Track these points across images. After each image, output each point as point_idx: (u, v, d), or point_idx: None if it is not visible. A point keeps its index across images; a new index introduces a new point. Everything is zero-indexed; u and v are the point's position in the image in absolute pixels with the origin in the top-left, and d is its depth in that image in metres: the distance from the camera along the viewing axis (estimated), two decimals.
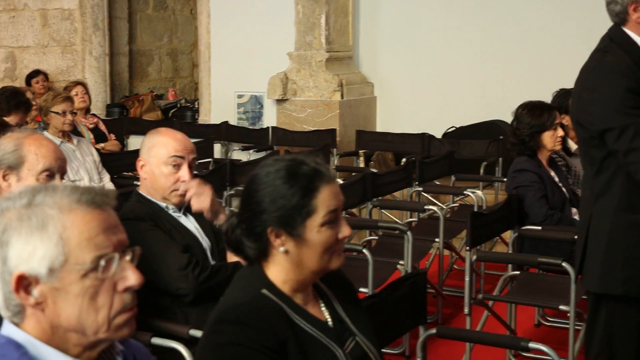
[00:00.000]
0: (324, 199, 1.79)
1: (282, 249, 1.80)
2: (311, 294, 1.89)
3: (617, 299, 2.63)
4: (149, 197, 2.82)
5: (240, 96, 7.22)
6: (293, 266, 1.81)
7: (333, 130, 6.61)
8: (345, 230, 1.82)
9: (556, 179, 4.16)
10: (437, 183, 5.67)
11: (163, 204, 2.82)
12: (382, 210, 5.28)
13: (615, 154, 2.54)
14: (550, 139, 4.09)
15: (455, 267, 5.04)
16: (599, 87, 2.56)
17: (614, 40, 2.62)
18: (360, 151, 6.62)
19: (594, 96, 2.57)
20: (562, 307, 3.38)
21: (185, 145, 2.80)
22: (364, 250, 3.63)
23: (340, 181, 5.43)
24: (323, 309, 1.88)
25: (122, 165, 5.27)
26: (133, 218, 2.70)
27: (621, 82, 2.50)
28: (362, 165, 6.58)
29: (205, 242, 2.84)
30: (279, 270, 1.82)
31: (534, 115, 4.09)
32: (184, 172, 2.77)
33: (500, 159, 5.86)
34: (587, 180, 2.72)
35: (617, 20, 2.63)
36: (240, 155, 6.77)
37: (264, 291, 1.80)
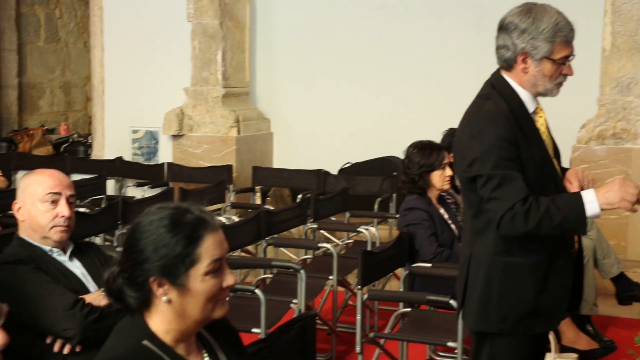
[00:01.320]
0: (208, 248, 1.78)
1: (164, 298, 1.77)
2: (194, 343, 1.86)
3: (497, 336, 2.70)
4: (29, 240, 2.73)
5: (135, 131, 7.12)
6: (176, 316, 1.79)
7: (229, 166, 6.59)
8: (229, 279, 1.81)
9: (445, 217, 4.27)
10: (333, 219, 5.72)
11: (46, 247, 2.73)
12: (281, 248, 5.30)
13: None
14: (439, 178, 4.20)
15: (350, 303, 5.07)
16: (475, 134, 2.59)
17: (495, 87, 2.67)
18: (257, 187, 6.62)
19: (470, 142, 2.61)
20: (450, 344, 3.45)
21: (60, 180, 2.75)
22: (256, 291, 3.61)
23: (235, 218, 5.42)
24: (206, 359, 1.86)
25: (8, 203, 5.07)
26: (13, 261, 2.61)
27: (496, 132, 2.54)
28: (258, 201, 6.58)
29: (92, 287, 2.75)
30: (161, 320, 1.79)
31: (423, 154, 4.19)
32: (62, 207, 2.71)
33: (394, 195, 5.96)
34: (467, 221, 2.78)
35: (504, 65, 2.67)
36: (134, 191, 6.66)
37: (145, 342, 1.76)
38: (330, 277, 4.48)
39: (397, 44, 6.72)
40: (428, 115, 6.56)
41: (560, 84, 2.65)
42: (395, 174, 5.96)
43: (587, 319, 4.63)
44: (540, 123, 2.68)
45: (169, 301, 1.77)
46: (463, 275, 2.75)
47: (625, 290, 4.69)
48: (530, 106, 2.66)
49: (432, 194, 4.25)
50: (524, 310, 2.64)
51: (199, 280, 1.77)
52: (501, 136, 2.53)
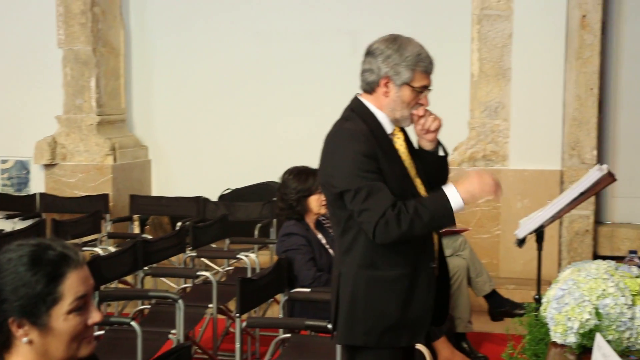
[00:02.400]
0: (71, 285, 1.72)
1: (25, 339, 1.70)
2: None
3: (364, 350, 2.78)
4: None
5: (4, 161, 6.84)
6: (38, 357, 1.72)
7: (105, 195, 6.42)
8: (95, 317, 1.76)
9: (323, 241, 4.30)
10: (214, 246, 5.67)
11: None
12: (160, 277, 5.20)
13: (353, 214, 2.69)
14: (316, 203, 4.24)
15: (231, 330, 5.03)
16: (337, 151, 2.71)
17: (354, 110, 2.80)
18: (135, 216, 6.48)
19: (333, 160, 2.73)
20: None
21: None
22: (132, 323, 3.53)
23: (111, 249, 5.29)
24: None
25: None
26: None
27: (357, 147, 2.66)
28: (136, 230, 6.44)
29: None
30: None
31: (299, 180, 4.23)
32: None
33: (275, 221, 5.96)
34: (336, 239, 2.87)
35: (367, 88, 2.79)
36: (4, 224, 6.38)
37: None
38: (210, 305, 4.44)
39: (275, 70, 6.76)
40: (307, 139, 6.60)
41: (414, 117, 2.77)
42: (275, 199, 5.97)
43: (462, 337, 4.77)
44: (399, 144, 2.81)
45: (30, 342, 1.70)
46: (334, 294, 2.83)
47: (497, 306, 4.86)
48: (388, 128, 2.79)
49: (310, 219, 4.28)
50: (387, 323, 2.74)
51: (61, 319, 1.71)
52: (361, 151, 2.66)
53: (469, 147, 6.12)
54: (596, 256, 5.97)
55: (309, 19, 6.53)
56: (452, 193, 2.63)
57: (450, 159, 5.98)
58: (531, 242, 5.26)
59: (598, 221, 6.23)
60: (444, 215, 2.63)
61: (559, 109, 5.96)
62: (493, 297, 4.92)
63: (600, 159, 6.13)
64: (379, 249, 2.70)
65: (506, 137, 6.05)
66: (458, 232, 5.01)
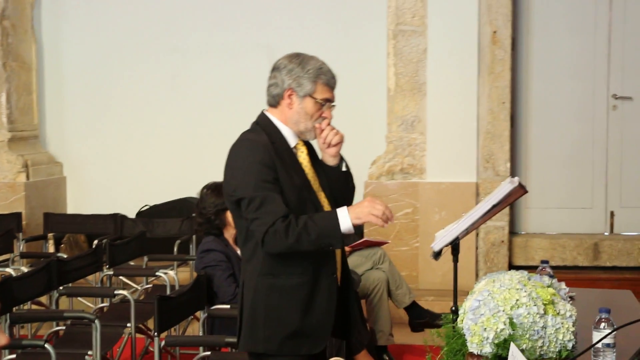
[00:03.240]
0: None
1: None
2: None
3: (266, 357, 2.82)
4: None
5: None
6: None
7: (18, 214, 6.23)
8: (1, 340, 1.69)
9: None
10: (132, 264, 5.57)
11: None
12: (77, 297, 5.08)
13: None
14: None
15: (151, 349, 4.94)
16: (236, 160, 2.79)
17: (259, 124, 2.89)
18: (49, 234, 6.30)
19: (232, 169, 2.79)
20: None
21: None
22: (46, 345, 3.43)
23: (24, 269, 5.13)
24: None
25: None
26: None
27: (255, 157, 2.74)
28: (51, 249, 6.26)
29: None
30: None
31: (217, 194, 4.20)
32: None
33: (194, 237, 5.91)
34: (240, 248, 2.94)
35: (272, 102, 2.88)
36: None
37: None
38: (129, 324, 4.35)
39: (192, 86, 6.70)
40: (225, 154, 6.57)
41: (317, 130, 2.84)
42: (194, 215, 5.91)
43: (383, 349, 4.81)
44: (302, 157, 2.89)
45: None
46: (239, 303, 2.89)
47: (417, 318, 4.92)
48: (292, 141, 2.87)
49: (229, 234, 4.25)
50: (288, 331, 2.79)
51: None
52: (259, 161, 2.74)
53: (387, 161, 6.19)
54: (511, 266, 6.12)
55: (225, 34, 6.50)
56: (343, 214, 2.71)
57: (368, 172, 6.18)
58: (448, 254, 5.36)
59: (513, 232, 6.39)
60: (332, 235, 2.70)
61: (473, 123, 6.10)
62: (413, 309, 4.98)
63: (513, 171, 6.30)
64: (278, 257, 2.76)
65: (423, 150, 6.15)
66: (377, 244, 5.06)
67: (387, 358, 4.79)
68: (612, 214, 6.44)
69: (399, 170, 6.18)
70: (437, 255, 3.00)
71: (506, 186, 2.86)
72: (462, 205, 5.72)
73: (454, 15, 6.05)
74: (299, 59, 2.85)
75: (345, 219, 2.70)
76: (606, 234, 6.43)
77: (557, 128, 6.43)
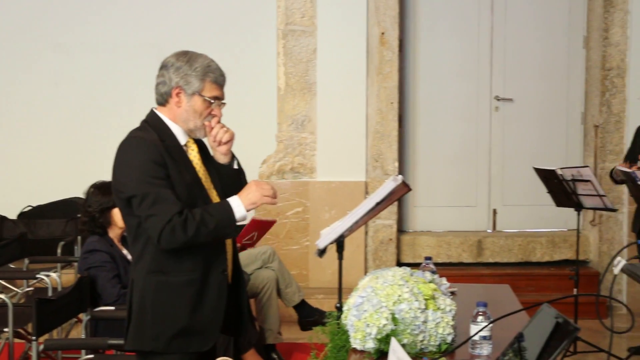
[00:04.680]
0: None
1: None
2: None
3: (153, 356, 2.79)
4: None
5: None
6: None
7: None
8: None
9: (129, 257, 4.19)
10: (12, 267, 5.36)
11: None
12: None
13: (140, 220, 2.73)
14: (119, 216, 4.11)
15: (30, 353, 4.77)
16: (125, 158, 2.76)
17: (148, 122, 2.86)
18: None
19: (122, 167, 2.77)
20: None
21: None
22: None
23: None
24: None
25: None
26: None
27: (145, 154, 2.72)
28: None
29: None
30: None
31: (103, 193, 4.11)
32: None
33: (79, 238, 5.74)
34: (129, 246, 2.92)
35: (160, 100, 2.86)
36: None
37: None
38: (6, 329, 4.19)
39: (77, 84, 6.48)
40: (113, 153, 6.41)
41: (207, 128, 2.84)
42: (79, 215, 5.74)
43: (272, 348, 4.81)
44: (192, 155, 2.88)
45: None
46: (128, 302, 2.85)
47: (306, 316, 4.94)
48: (182, 139, 2.86)
49: (114, 234, 4.16)
50: (176, 328, 2.77)
51: None
52: (149, 158, 2.72)
53: (277, 160, 6.20)
54: (399, 263, 6.24)
55: (112, 31, 6.33)
56: (236, 203, 2.75)
57: (259, 171, 6.17)
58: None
59: (401, 230, 6.52)
60: (228, 224, 2.74)
61: (362, 123, 6.18)
62: (302, 307, 5.00)
63: (401, 171, 6.43)
64: (168, 254, 2.74)
65: (313, 149, 6.20)
66: (266, 224, 5.01)
67: (275, 357, 4.79)
68: (494, 212, 6.66)
69: (290, 169, 6.21)
70: (321, 252, 3.02)
71: (389, 184, 2.91)
72: (352, 203, 5.72)
73: (343, 16, 6.12)
74: (186, 57, 2.83)
75: (239, 207, 2.74)
76: (489, 231, 6.65)
77: (443, 128, 6.60)
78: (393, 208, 6.24)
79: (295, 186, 6.17)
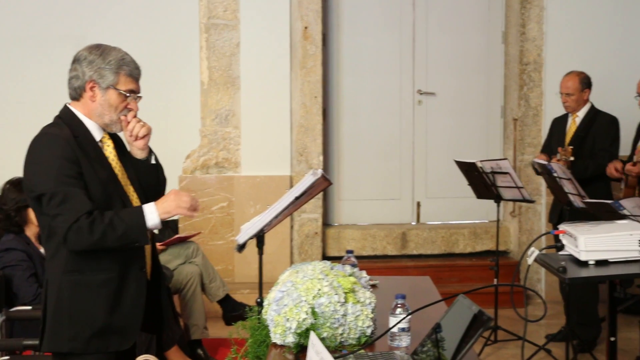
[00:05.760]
0: None
1: None
2: None
3: (72, 357, 2.74)
4: None
5: None
6: None
7: None
8: None
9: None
10: None
11: None
12: None
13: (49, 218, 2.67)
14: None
15: None
16: (36, 155, 2.70)
17: (62, 117, 2.80)
18: None
19: (33, 164, 2.70)
20: None
21: None
22: None
23: None
24: None
25: None
26: None
27: (57, 151, 2.66)
28: None
29: None
30: None
31: (19, 190, 4.00)
32: None
33: None
34: (43, 245, 2.86)
35: (74, 95, 2.80)
36: None
37: None
38: None
39: None
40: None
41: (123, 122, 2.80)
42: None
43: (197, 343, 4.77)
44: (108, 151, 2.84)
45: None
46: (43, 302, 2.79)
47: (231, 311, 4.92)
48: (97, 135, 2.81)
49: (31, 232, 4.06)
50: (94, 329, 2.72)
51: None
52: (61, 155, 2.66)
53: (202, 155, 6.15)
54: (325, 257, 6.28)
55: (31, 24, 6.16)
56: (151, 210, 2.70)
57: (182, 166, 6.10)
58: (264, 247, 5.39)
59: (326, 224, 6.55)
60: (138, 232, 2.68)
61: (286, 117, 6.18)
62: (227, 302, 4.98)
63: (326, 164, 6.46)
64: (85, 253, 2.68)
65: (237, 144, 6.17)
66: (189, 238, 5.02)
67: (201, 352, 4.76)
68: (418, 204, 6.76)
69: (214, 164, 6.16)
70: (241, 248, 3.01)
71: (309, 178, 2.91)
72: (277, 198, 5.63)
73: (266, 10, 6.10)
74: (99, 50, 2.77)
75: (153, 214, 2.68)
76: (413, 223, 6.73)
77: (367, 122, 6.66)
78: (318, 202, 6.26)
79: (220, 181, 6.13)
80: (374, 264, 6.22)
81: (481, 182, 5.06)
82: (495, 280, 5.14)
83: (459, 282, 6.19)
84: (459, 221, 6.70)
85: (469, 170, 5.10)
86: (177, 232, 5.69)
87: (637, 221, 3.55)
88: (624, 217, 3.59)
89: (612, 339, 3.13)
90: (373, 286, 3.26)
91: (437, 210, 6.74)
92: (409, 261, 6.40)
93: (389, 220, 6.70)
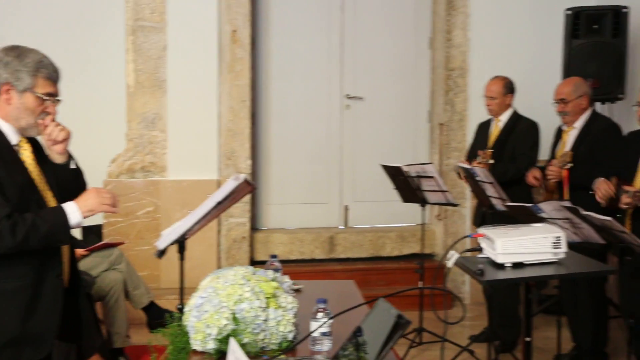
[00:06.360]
0: None
1: None
2: None
3: None
4: None
5: None
6: None
7: None
8: None
9: None
10: None
11: None
12: None
13: None
14: None
15: None
16: None
17: None
18: None
19: None
20: None
21: None
22: None
23: None
24: None
25: None
26: None
27: None
28: None
29: None
30: None
31: None
32: None
33: None
34: None
35: None
36: None
37: None
38: None
39: None
40: None
41: (41, 126, 2.76)
42: None
43: (120, 352, 4.70)
44: (25, 156, 2.78)
45: None
46: None
47: (155, 318, 4.85)
48: (13, 139, 2.76)
49: None
50: (7, 338, 2.67)
51: None
52: None
53: (127, 159, 6.06)
54: (253, 261, 6.25)
55: None
56: (72, 209, 2.68)
57: (108, 171, 6.00)
58: (190, 252, 5.34)
59: (254, 228, 6.53)
60: (61, 230, 2.66)
61: (214, 121, 6.14)
62: (151, 309, 4.92)
63: (254, 169, 6.44)
64: None
65: (164, 148, 6.10)
66: (114, 245, 4.94)
67: None
68: (346, 208, 6.79)
69: (140, 168, 6.08)
70: (161, 253, 2.98)
71: (231, 183, 2.90)
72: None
73: (194, 14, 6.05)
74: (16, 52, 2.72)
75: (75, 213, 2.67)
76: (341, 227, 6.77)
77: (295, 126, 6.66)
78: (246, 206, 6.24)
79: (146, 185, 6.05)
80: (302, 268, 6.23)
81: (407, 186, 5.11)
82: (420, 283, 5.21)
83: (386, 285, 6.25)
84: (386, 225, 6.77)
85: (395, 174, 5.15)
86: (101, 237, 5.60)
87: (557, 224, 3.65)
88: (542, 220, 3.68)
89: (528, 339, 3.20)
90: (297, 291, 3.26)
91: (365, 214, 6.79)
92: (336, 265, 6.43)
93: (317, 224, 6.72)
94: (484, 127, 5.41)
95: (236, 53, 6.17)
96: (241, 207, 6.20)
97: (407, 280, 6.19)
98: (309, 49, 6.65)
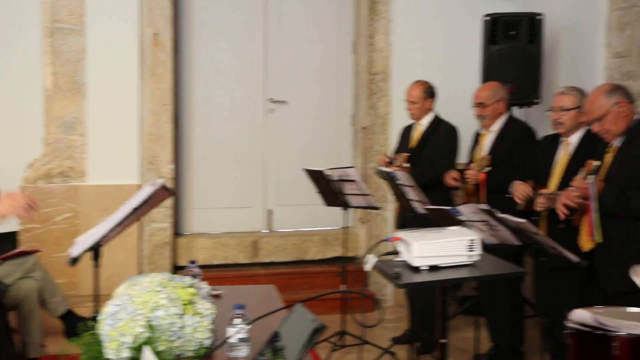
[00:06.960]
0: None
1: None
2: None
3: None
4: None
5: None
6: None
7: None
8: None
9: None
10: None
11: None
12: None
13: None
14: None
15: None
16: None
17: None
18: None
19: None
20: None
21: None
22: None
23: None
24: None
25: None
26: None
27: None
28: None
29: None
30: None
31: None
32: None
33: None
34: None
35: None
36: None
37: None
38: None
39: None
40: None
41: None
42: None
43: None
44: None
45: None
46: None
47: (73, 326, 4.75)
48: None
49: None
50: None
51: None
52: None
53: (45, 164, 5.92)
54: (176, 267, 6.18)
55: None
56: None
57: (24, 175, 5.85)
58: (110, 258, 5.24)
59: (177, 233, 6.45)
60: None
61: (135, 124, 6.05)
62: (69, 317, 4.81)
63: (177, 173, 6.37)
64: None
65: (84, 152, 5.97)
66: (30, 253, 4.81)
67: None
68: (270, 212, 6.78)
69: (58, 173, 5.94)
70: (74, 261, 2.91)
71: (147, 189, 2.86)
72: None
73: (114, 16, 5.95)
74: None
75: None
76: (265, 231, 6.75)
77: (219, 130, 6.62)
78: (168, 211, 6.16)
79: (65, 190, 5.92)
80: (225, 273, 6.18)
81: (329, 189, 5.14)
82: (342, 286, 5.24)
83: (309, 289, 6.26)
84: (310, 228, 6.78)
85: (317, 178, 5.17)
86: (15, 245, 5.45)
87: (475, 227, 3.72)
88: (460, 222, 3.75)
89: (443, 340, 3.25)
90: (216, 296, 3.23)
91: (289, 218, 6.79)
92: (260, 269, 6.41)
93: (241, 228, 6.68)
94: (407, 131, 5.48)
95: (158, 56, 6.09)
96: (163, 212, 6.12)
97: (330, 283, 6.22)
98: (232, 52, 6.62)
